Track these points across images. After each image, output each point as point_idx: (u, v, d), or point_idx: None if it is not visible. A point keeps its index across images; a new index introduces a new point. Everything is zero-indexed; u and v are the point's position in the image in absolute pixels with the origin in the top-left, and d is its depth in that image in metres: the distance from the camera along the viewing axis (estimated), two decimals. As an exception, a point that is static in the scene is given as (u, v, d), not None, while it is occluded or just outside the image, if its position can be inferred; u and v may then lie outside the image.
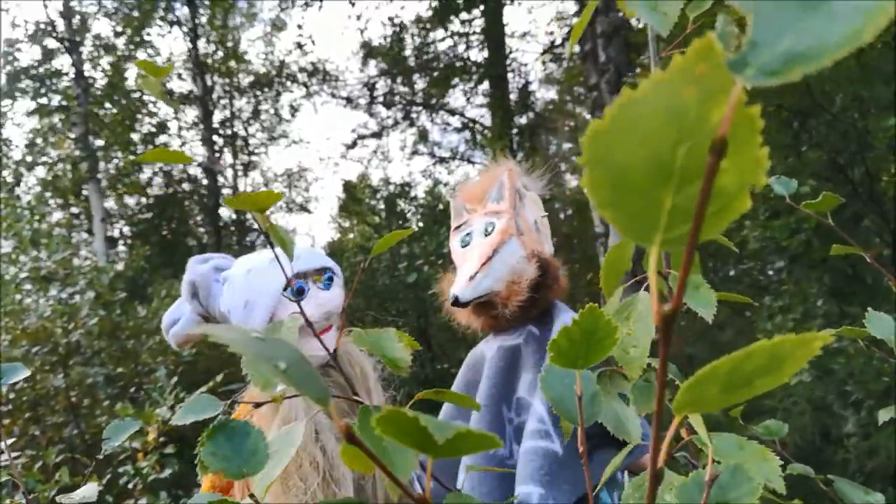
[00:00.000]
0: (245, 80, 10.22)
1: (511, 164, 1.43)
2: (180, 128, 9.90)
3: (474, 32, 9.05)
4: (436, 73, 9.16)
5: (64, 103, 8.63)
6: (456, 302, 1.29)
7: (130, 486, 3.26)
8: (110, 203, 9.24)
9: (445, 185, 9.11)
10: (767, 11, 0.18)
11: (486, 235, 1.35)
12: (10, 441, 3.51)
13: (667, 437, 0.25)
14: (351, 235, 9.68)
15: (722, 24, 0.19)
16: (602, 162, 0.20)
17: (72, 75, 8.53)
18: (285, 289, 1.28)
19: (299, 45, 9.86)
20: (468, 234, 1.40)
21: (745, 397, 0.25)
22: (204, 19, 9.72)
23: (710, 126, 0.19)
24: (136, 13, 9.08)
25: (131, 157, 9.03)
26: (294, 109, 10.54)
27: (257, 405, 1.01)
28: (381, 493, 1.24)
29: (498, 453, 1.24)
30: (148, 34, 9.31)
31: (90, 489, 0.77)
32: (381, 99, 9.51)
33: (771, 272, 5.58)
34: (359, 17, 10.20)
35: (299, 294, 1.29)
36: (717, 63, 0.18)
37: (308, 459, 1.18)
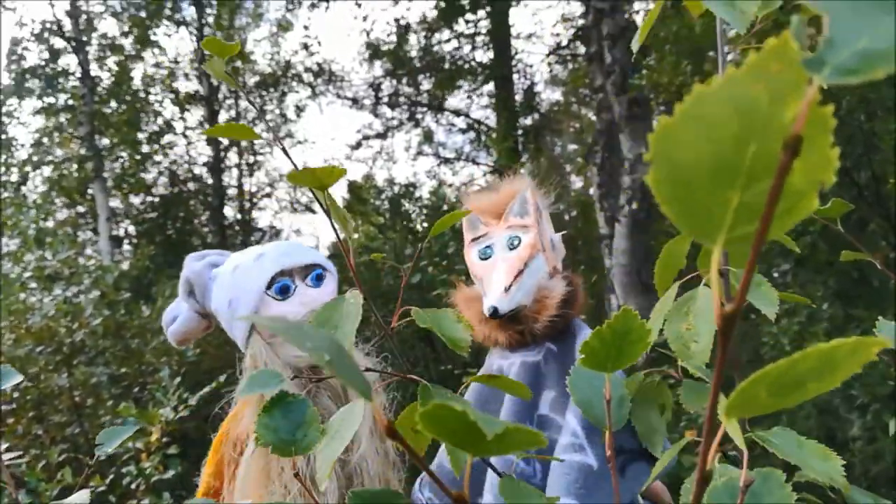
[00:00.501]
0: (251, 81, 10.23)
1: (528, 180, 1.43)
2: (186, 127, 9.92)
3: (479, 33, 9.05)
4: (441, 74, 9.16)
5: (70, 103, 8.65)
6: (495, 313, 1.28)
7: (133, 486, 3.26)
8: (116, 202, 9.26)
9: (450, 185, 9.11)
10: (844, 10, 0.17)
11: (510, 249, 1.34)
12: (14, 441, 3.52)
13: (715, 440, 0.25)
14: (356, 236, 9.69)
15: (796, 22, 0.18)
16: (669, 158, 0.20)
17: (78, 75, 8.55)
18: (269, 287, 1.26)
19: (305, 46, 9.88)
20: (488, 246, 1.38)
21: (796, 401, 0.25)
22: (210, 19, 9.73)
23: (782, 124, 0.19)
24: (142, 13, 9.09)
25: (137, 158, 9.05)
26: (299, 110, 10.56)
27: (318, 380, 1.00)
28: None
29: (525, 473, 1.23)
30: (154, 34, 9.33)
31: (82, 496, 0.76)
32: (386, 100, 9.52)
33: (776, 275, 5.56)
34: (365, 18, 10.22)
35: (283, 292, 1.26)
36: (792, 61, 0.18)
37: (289, 464, 1.14)
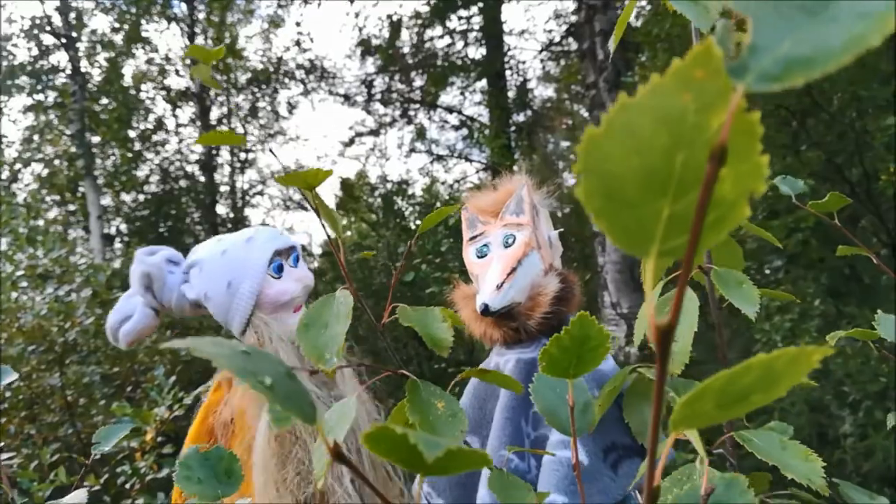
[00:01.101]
0: (242, 77, 10.20)
1: (525, 178, 1.44)
2: (178, 124, 9.88)
3: (472, 30, 9.03)
4: (434, 71, 9.15)
5: (60, 100, 8.60)
6: (486, 310, 1.29)
7: (128, 485, 3.25)
8: (107, 200, 9.22)
9: (443, 182, 9.11)
10: (768, 15, 0.17)
11: (506, 247, 1.36)
12: (5, 441, 3.50)
13: (663, 455, 0.25)
14: (348, 233, 9.67)
15: (721, 28, 0.18)
16: (597, 170, 0.19)
17: (68, 71, 8.50)
18: (268, 266, 1.33)
19: (297, 42, 9.85)
20: (485, 245, 1.40)
21: (741, 412, 0.25)
22: (201, 15, 9.69)
23: (709, 133, 0.18)
24: (133, 9, 9.05)
25: (128, 155, 9.01)
26: (292, 106, 10.52)
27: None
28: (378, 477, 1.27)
29: (519, 468, 1.24)
30: (145, 30, 9.29)
31: (80, 495, 0.76)
32: (378, 96, 9.50)
33: (768, 271, 5.57)
34: (357, 15, 10.19)
35: (279, 271, 1.35)
36: (716, 68, 0.17)
37: (306, 450, 1.21)
